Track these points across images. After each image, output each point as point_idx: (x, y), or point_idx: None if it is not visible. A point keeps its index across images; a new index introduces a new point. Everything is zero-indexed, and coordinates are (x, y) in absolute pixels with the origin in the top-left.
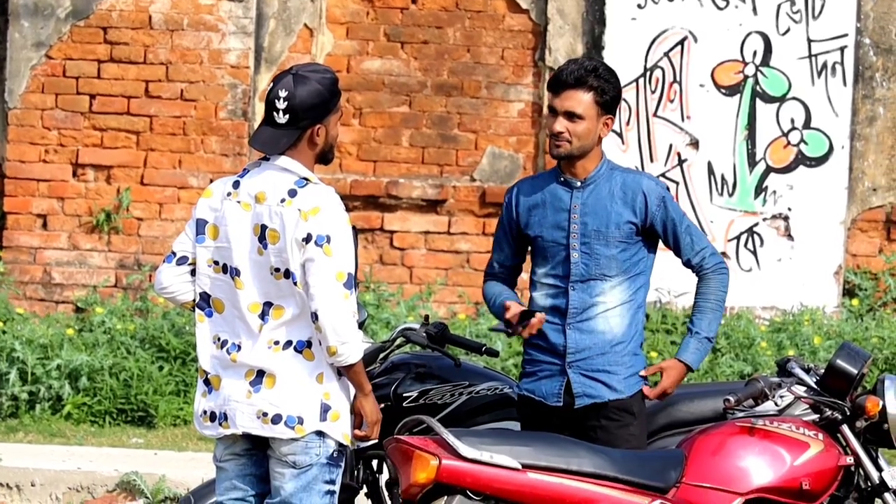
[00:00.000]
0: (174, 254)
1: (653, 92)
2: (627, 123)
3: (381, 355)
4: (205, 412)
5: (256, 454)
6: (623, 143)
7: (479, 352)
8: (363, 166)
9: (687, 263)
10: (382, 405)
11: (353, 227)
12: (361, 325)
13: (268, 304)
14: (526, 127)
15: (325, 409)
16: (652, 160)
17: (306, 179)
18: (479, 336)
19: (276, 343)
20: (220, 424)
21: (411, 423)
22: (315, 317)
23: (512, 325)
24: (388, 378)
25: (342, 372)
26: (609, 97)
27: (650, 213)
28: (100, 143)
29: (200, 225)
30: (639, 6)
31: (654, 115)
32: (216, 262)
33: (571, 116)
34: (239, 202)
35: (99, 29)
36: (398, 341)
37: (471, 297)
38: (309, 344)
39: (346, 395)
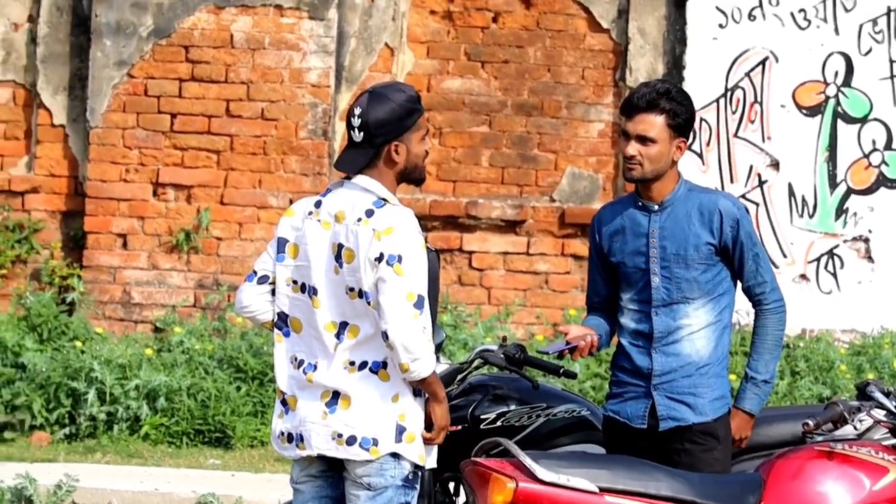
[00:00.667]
0: (255, 273)
1: (733, 112)
2: (708, 144)
3: (459, 377)
4: (282, 433)
5: (332, 476)
6: (703, 163)
7: (556, 374)
8: (443, 186)
9: (747, 291)
10: (460, 427)
11: (436, 250)
12: (439, 347)
13: (343, 324)
14: (606, 147)
15: (400, 431)
16: (732, 181)
17: (385, 200)
18: (557, 358)
19: (352, 364)
20: (297, 446)
21: (488, 446)
22: (385, 336)
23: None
24: (466, 400)
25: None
26: (681, 120)
27: (724, 233)
28: (180, 162)
29: (281, 244)
30: (720, 26)
31: (735, 135)
32: (295, 282)
33: (644, 140)
34: (319, 221)
35: (181, 48)
36: (476, 363)
37: (549, 319)
38: (384, 364)
39: (422, 416)
